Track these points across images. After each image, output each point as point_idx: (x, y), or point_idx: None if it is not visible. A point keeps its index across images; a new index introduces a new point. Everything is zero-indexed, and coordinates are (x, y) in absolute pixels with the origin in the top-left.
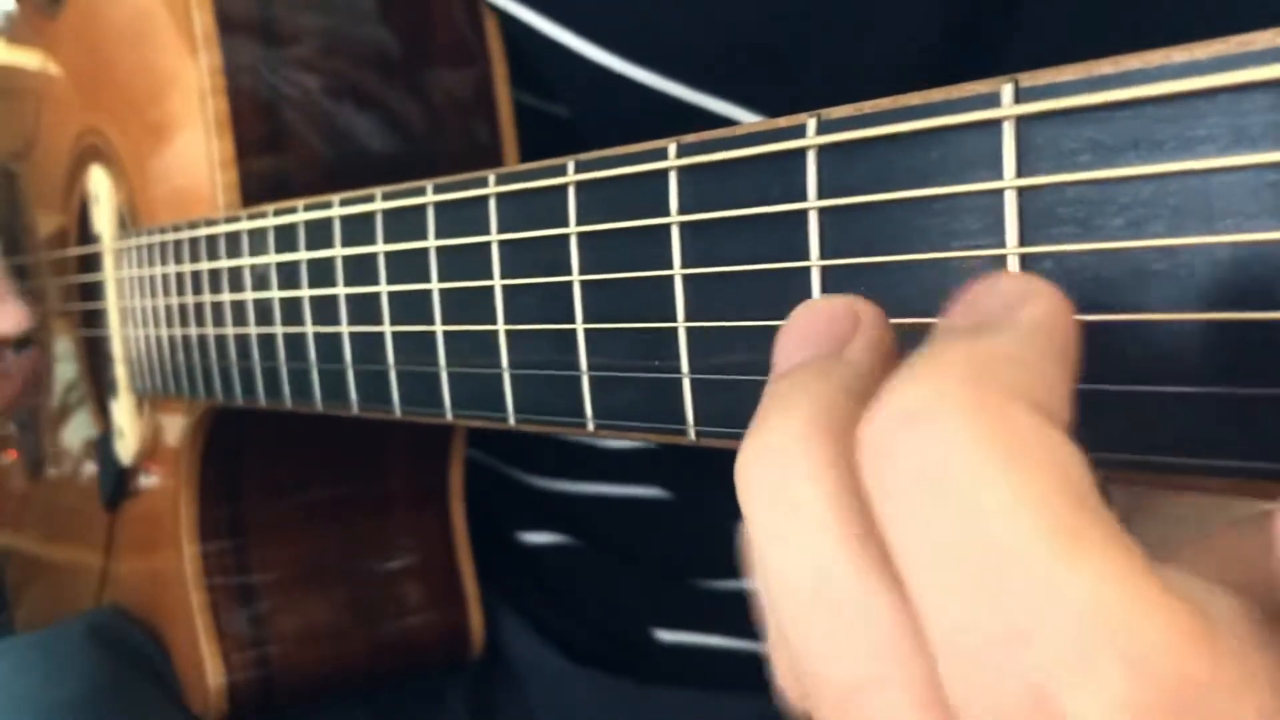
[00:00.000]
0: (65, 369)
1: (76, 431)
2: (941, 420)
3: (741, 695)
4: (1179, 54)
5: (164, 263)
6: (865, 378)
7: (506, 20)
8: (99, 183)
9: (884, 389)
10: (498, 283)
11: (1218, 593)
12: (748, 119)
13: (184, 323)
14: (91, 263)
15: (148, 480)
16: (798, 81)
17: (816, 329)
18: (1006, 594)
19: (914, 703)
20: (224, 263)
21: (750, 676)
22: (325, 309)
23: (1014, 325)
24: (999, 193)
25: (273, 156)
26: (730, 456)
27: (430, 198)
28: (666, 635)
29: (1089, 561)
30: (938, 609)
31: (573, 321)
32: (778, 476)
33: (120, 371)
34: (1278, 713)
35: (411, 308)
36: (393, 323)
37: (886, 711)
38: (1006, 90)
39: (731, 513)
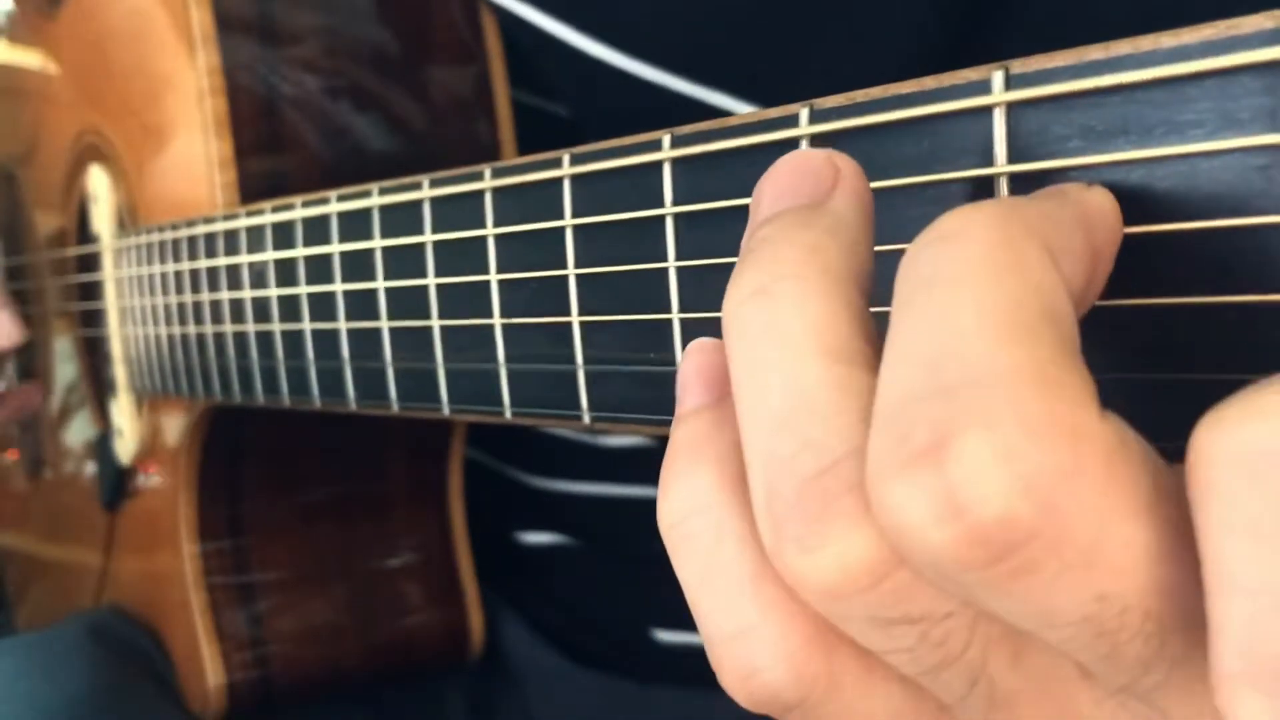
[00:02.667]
0: (65, 369)
1: (76, 431)
2: (962, 234)
3: None
4: (1168, 39)
5: (162, 261)
6: (849, 226)
7: (504, 17)
8: (98, 182)
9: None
10: (494, 277)
11: (1159, 458)
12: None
13: (182, 321)
14: (91, 262)
15: (147, 480)
16: (797, 74)
17: (796, 181)
18: (950, 356)
19: (863, 509)
20: (221, 260)
21: None
22: (323, 305)
23: (1055, 198)
24: (991, 179)
25: (271, 156)
26: None
27: (426, 192)
28: (666, 635)
29: (1031, 348)
30: (892, 363)
31: (568, 314)
32: (765, 316)
33: (119, 371)
34: (1152, 556)
35: (408, 303)
36: (390, 318)
37: (829, 489)
38: (997, 77)
39: None
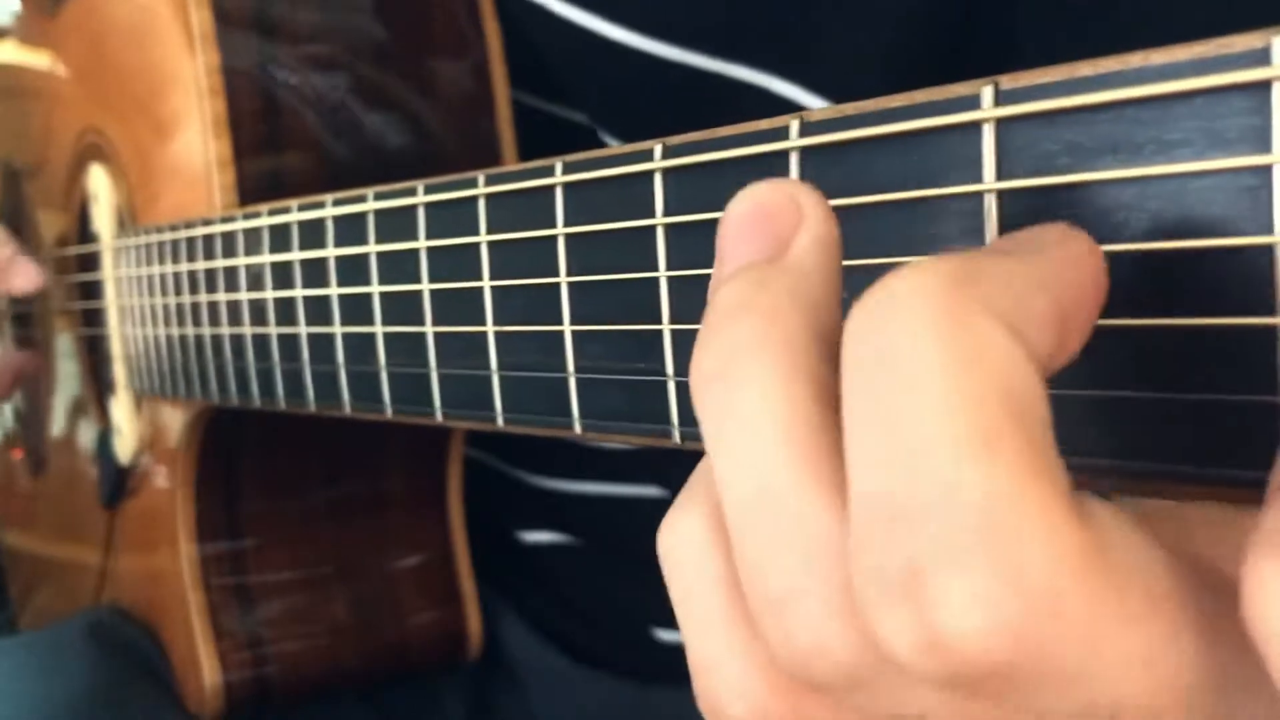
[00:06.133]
0: (67, 367)
1: (78, 430)
2: (910, 309)
3: None
4: (1158, 56)
5: (161, 262)
6: (811, 282)
7: (522, 13)
8: (98, 181)
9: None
10: (486, 284)
11: (1148, 544)
12: (773, 84)
13: (180, 322)
14: (91, 261)
15: (146, 479)
16: (811, 47)
17: (756, 226)
18: (915, 477)
19: (829, 612)
20: (219, 262)
21: None
22: (318, 309)
23: (1021, 253)
24: (979, 195)
25: (270, 157)
26: None
27: (421, 198)
28: (667, 635)
29: (993, 466)
30: (858, 477)
31: (560, 323)
32: (724, 394)
33: (119, 370)
34: (1145, 661)
35: (402, 308)
36: (384, 323)
37: (803, 621)
38: (986, 92)
39: None
